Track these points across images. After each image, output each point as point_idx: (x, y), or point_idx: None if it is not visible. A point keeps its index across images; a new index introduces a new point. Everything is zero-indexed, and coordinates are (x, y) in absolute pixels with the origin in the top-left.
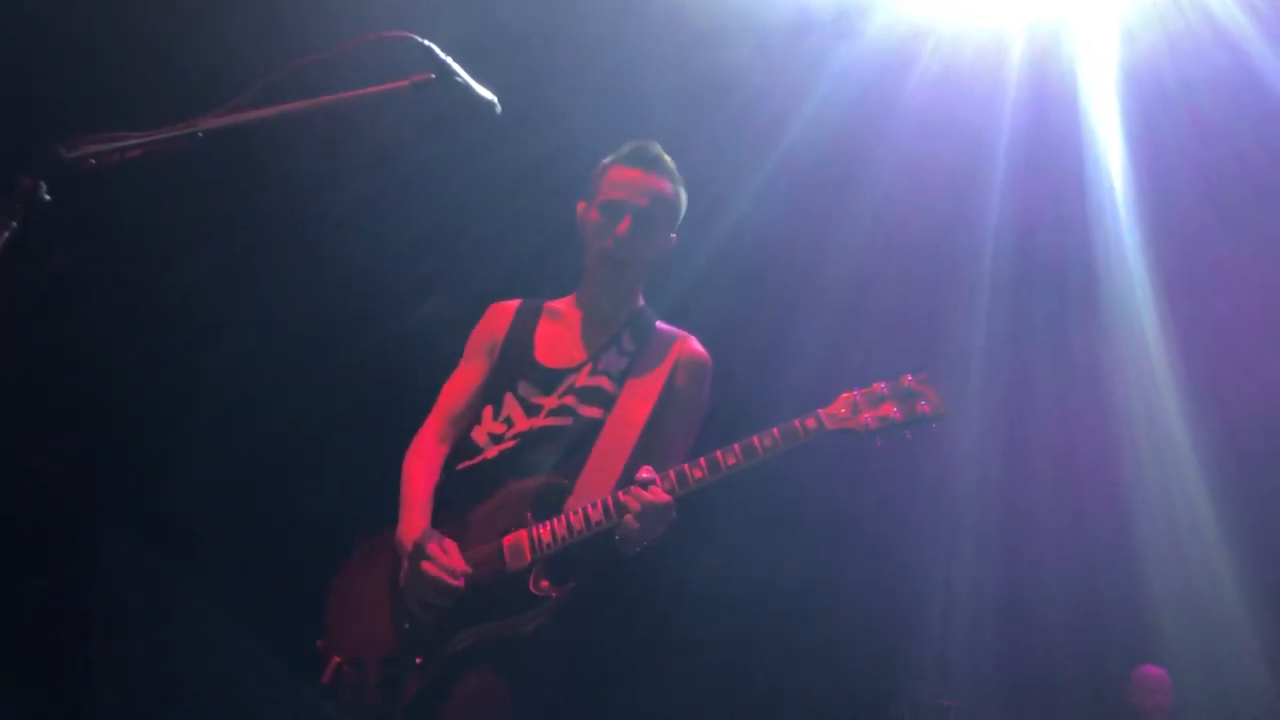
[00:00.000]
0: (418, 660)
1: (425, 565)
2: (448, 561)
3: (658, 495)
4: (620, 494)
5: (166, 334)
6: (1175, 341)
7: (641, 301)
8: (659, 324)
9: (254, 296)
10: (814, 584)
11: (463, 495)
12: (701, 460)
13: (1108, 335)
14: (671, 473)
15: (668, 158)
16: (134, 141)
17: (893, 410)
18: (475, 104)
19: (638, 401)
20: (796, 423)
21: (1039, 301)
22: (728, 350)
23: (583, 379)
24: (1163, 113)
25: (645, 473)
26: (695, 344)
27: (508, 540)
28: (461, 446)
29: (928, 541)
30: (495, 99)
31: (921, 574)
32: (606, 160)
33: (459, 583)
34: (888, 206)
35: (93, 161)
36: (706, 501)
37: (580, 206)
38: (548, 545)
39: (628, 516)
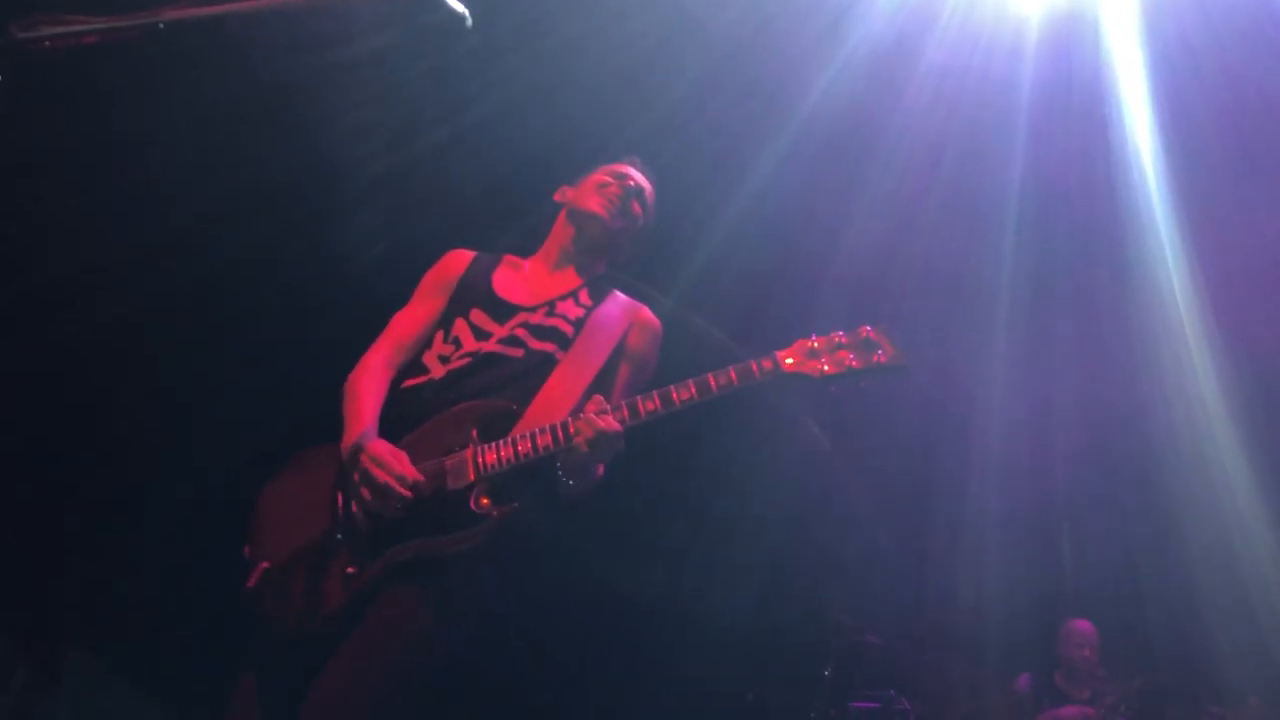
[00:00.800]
0: (349, 570)
1: (375, 470)
2: (399, 469)
3: (609, 423)
4: (570, 421)
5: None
6: (1204, 296)
7: (603, 269)
8: (615, 291)
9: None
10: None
11: (407, 414)
12: (654, 393)
13: (1135, 292)
14: (623, 404)
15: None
16: (91, 27)
17: (850, 358)
18: (445, 15)
19: (594, 346)
20: (753, 363)
21: (1064, 260)
22: (751, 319)
23: (538, 318)
24: (1188, 62)
25: (596, 402)
26: (649, 312)
27: (450, 460)
28: (409, 369)
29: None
30: (466, 13)
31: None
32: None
33: (408, 492)
34: (909, 168)
35: (47, 44)
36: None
37: (561, 189)
38: (492, 466)
39: (578, 440)
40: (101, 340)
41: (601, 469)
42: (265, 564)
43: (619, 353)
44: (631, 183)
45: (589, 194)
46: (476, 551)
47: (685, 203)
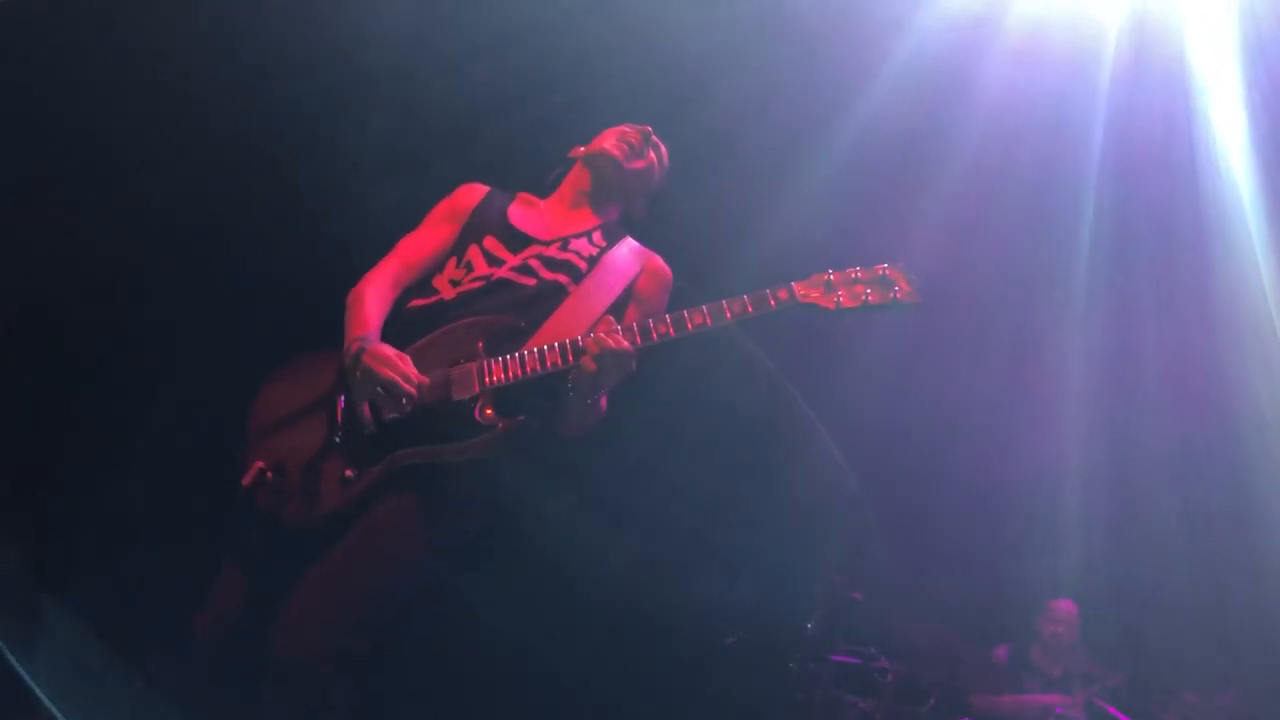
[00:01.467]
0: (347, 473)
1: (379, 368)
2: (404, 368)
3: (618, 342)
4: (580, 338)
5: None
6: None
7: (616, 217)
8: (630, 237)
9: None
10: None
11: (414, 332)
12: (667, 316)
13: (1217, 274)
14: (635, 325)
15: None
16: None
17: (867, 293)
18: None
19: (605, 284)
20: (768, 292)
21: (1143, 244)
22: (810, 320)
23: (551, 250)
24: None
25: (607, 323)
26: (661, 261)
27: (456, 371)
28: (416, 289)
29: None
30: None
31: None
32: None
33: (413, 389)
34: (983, 154)
35: None
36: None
37: (574, 148)
38: (498, 380)
39: (585, 359)
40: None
41: (605, 402)
42: (260, 463)
43: (629, 294)
44: (648, 130)
45: (605, 138)
46: (478, 462)
47: (739, 209)
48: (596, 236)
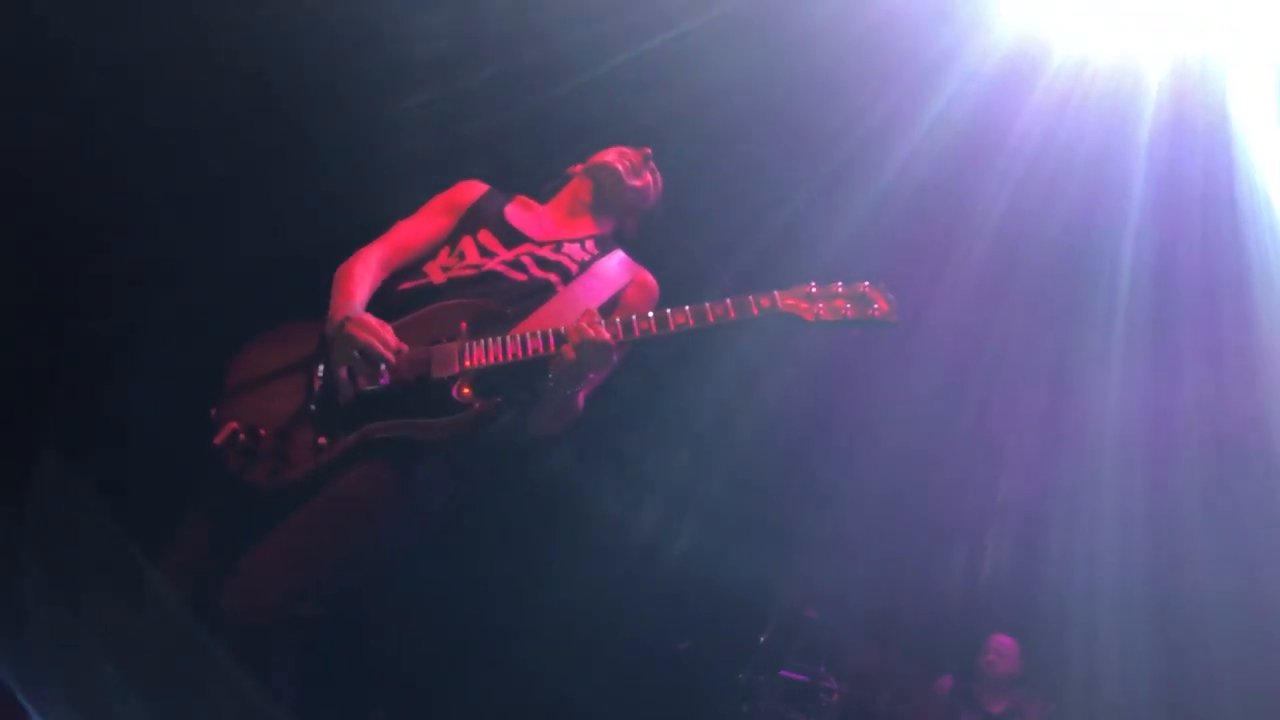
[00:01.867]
0: (320, 440)
1: (359, 332)
2: (383, 334)
3: (599, 333)
4: (563, 327)
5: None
6: None
7: (610, 232)
8: (622, 250)
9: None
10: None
11: (398, 312)
12: (650, 314)
13: (1260, 327)
14: (619, 320)
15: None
16: None
17: (846, 308)
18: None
19: (593, 289)
20: (750, 297)
21: (1183, 296)
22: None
23: (544, 251)
24: None
25: (589, 315)
26: (650, 275)
27: (438, 349)
28: (405, 274)
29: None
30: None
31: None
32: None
33: (391, 355)
34: (1020, 200)
35: None
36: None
37: (573, 166)
38: (479, 362)
39: (566, 347)
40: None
41: (582, 401)
42: (234, 424)
43: (615, 301)
44: (648, 153)
45: (606, 154)
46: (453, 440)
47: (767, 254)
48: (590, 244)
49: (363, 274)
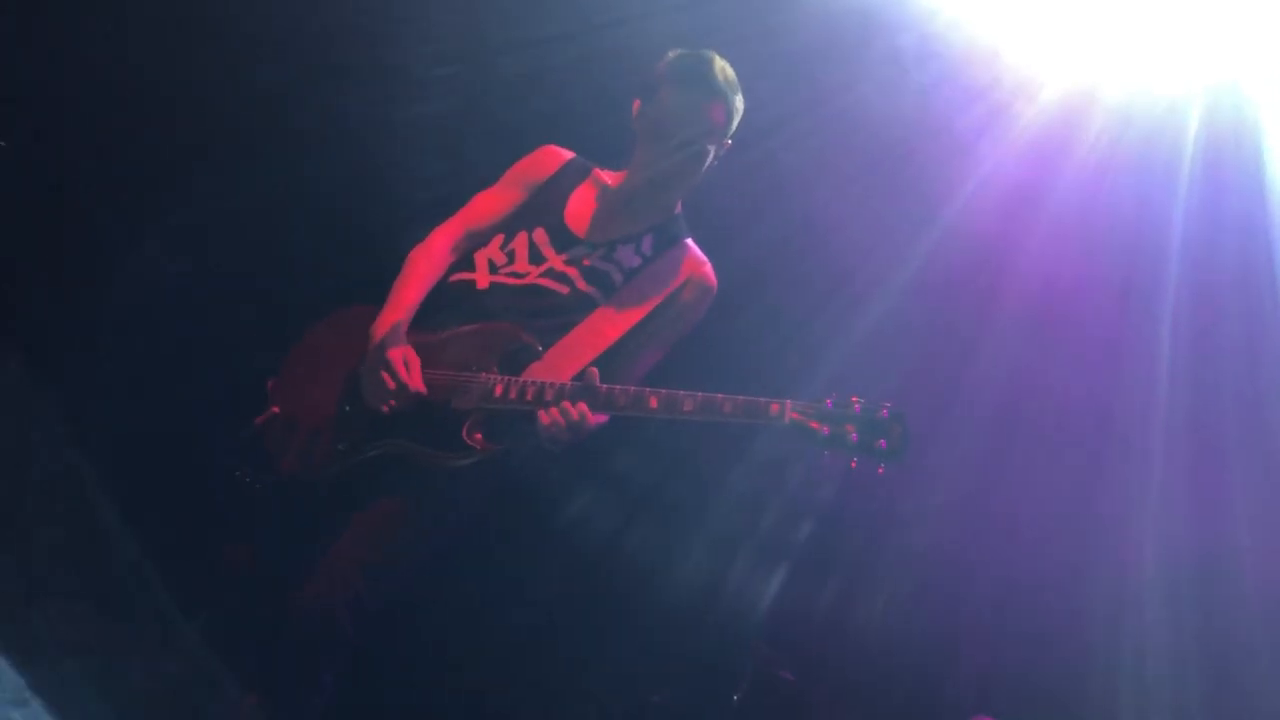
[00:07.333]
0: (339, 446)
1: (384, 375)
2: (405, 377)
3: (586, 416)
4: (565, 393)
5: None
6: None
7: (679, 210)
8: (687, 240)
9: None
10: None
11: (442, 310)
12: (662, 391)
13: None
14: (618, 393)
15: (720, 74)
16: None
17: (852, 431)
18: None
19: (636, 301)
20: (762, 400)
21: (1226, 360)
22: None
23: (594, 259)
24: None
25: (587, 379)
26: (710, 270)
27: (464, 378)
28: (461, 259)
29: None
30: None
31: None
32: (663, 68)
33: (393, 403)
34: (1058, 262)
35: None
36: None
37: (637, 105)
38: (495, 400)
39: (543, 415)
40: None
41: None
42: (275, 409)
43: (664, 306)
44: (681, 135)
45: (643, 134)
46: (456, 475)
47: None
48: (646, 243)
49: (424, 270)
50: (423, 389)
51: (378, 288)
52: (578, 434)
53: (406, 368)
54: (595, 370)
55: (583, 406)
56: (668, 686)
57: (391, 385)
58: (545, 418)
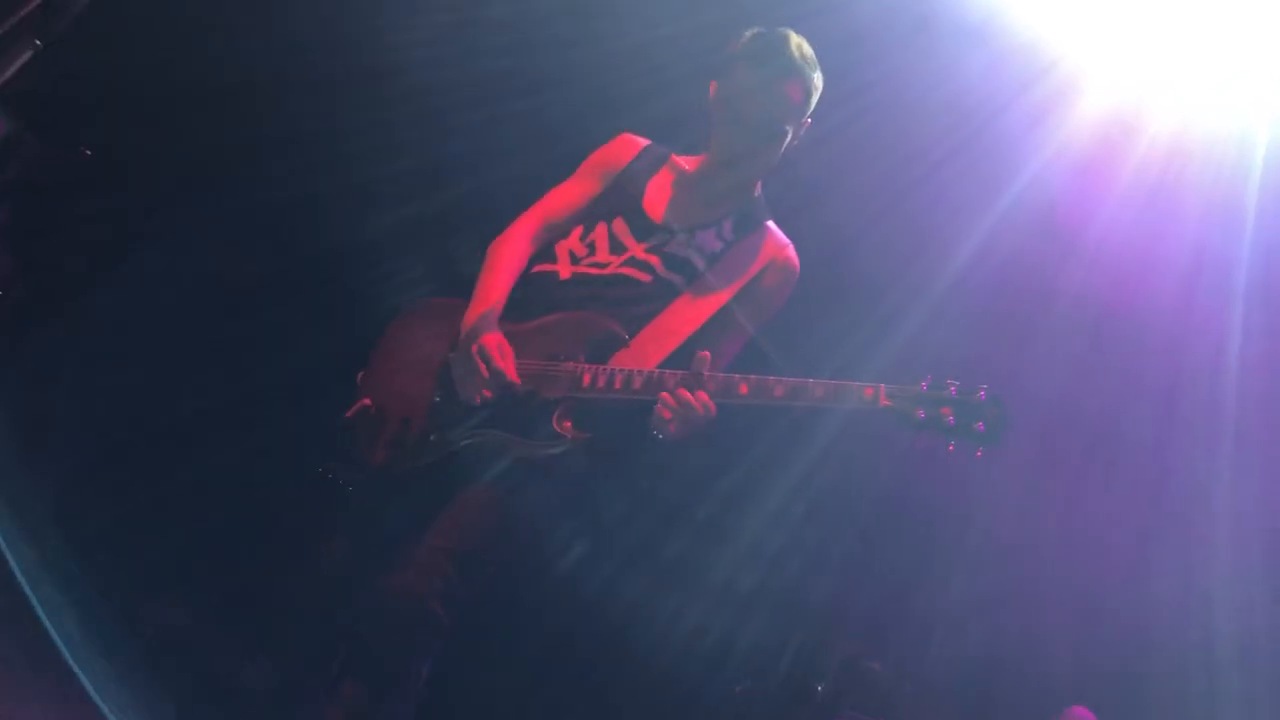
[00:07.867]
0: (432, 437)
1: (479, 362)
2: (499, 364)
3: (700, 399)
4: (668, 382)
5: None
6: None
7: (758, 192)
8: (768, 222)
9: None
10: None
11: (527, 299)
12: (752, 377)
13: None
14: (720, 376)
15: (798, 51)
16: None
17: (949, 415)
18: None
19: (720, 285)
20: (855, 384)
21: None
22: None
23: (675, 245)
24: None
25: (698, 365)
26: (792, 253)
27: (552, 368)
28: (543, 251)
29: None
30: None
31: None
32: (737, 47)
33: (490, 393)
34: (1118, 290)
35: None
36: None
37: (713, 86)
38: (584, 389)
39: (660, 409)
40: None
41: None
42: (366, 400)
43: (747, 290)
44: (755, 117)
45: (718, 116)
46: (546, 464)
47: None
48: (726, 228)
49: (507, 262)
50: (516, 379)
51: (458, 282)
52: (693, 423)
53: (502, 356)
54: (707, 354)
55: (703, 396)
56: (749, 678)
57: (486, 374)
58: (667, 410)
